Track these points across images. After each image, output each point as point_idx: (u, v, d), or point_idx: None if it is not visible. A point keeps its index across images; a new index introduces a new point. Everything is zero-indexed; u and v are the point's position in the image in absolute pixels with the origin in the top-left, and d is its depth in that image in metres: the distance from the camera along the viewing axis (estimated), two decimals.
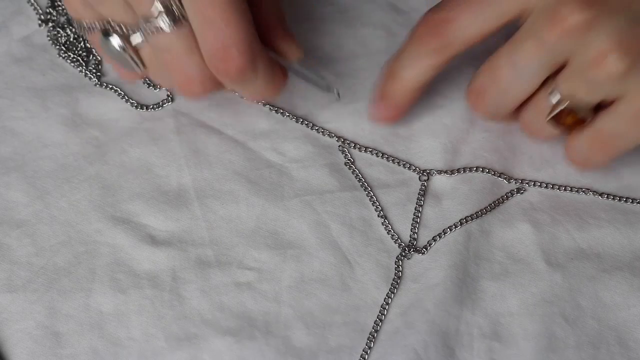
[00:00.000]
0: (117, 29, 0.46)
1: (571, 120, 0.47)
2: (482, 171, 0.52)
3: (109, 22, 0.46)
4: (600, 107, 0.47)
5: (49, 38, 0.56)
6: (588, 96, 0.46)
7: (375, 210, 0.51)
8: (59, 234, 0.50)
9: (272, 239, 0.50)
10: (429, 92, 0.53)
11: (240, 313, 0.48)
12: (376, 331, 0.48)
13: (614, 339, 0.48)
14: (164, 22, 0.44)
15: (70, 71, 0.55)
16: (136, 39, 0.46)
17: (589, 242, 0.50)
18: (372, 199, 0.52)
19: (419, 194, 0.52)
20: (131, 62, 0.47)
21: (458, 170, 0.52)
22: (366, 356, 0.47)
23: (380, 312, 0.48)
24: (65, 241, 0.50)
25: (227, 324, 0.47)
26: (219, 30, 0.44)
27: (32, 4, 0.57)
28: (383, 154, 0.53)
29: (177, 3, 0.44)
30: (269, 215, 0.51)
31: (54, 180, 0.51)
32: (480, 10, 0.46)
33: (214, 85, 0.47)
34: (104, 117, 0.54)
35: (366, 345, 0.47)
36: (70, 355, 0.46)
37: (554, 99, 0.47)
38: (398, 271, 0.49)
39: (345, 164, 0.53)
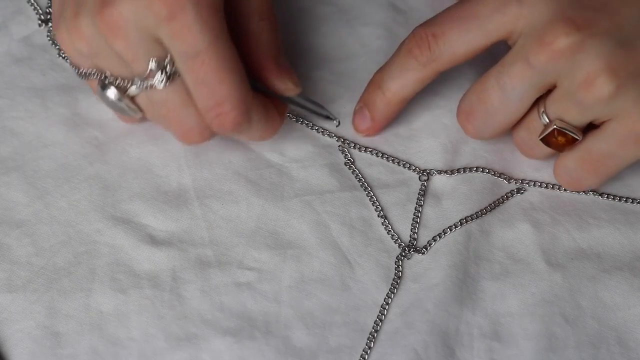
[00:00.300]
0: (113, 80, 0.46)
1: (562, 140, 0.47)
2: (482, 171, 0.52)
3: (104, 74, 0.46)
4: (591, 127, 0.47)
5: (49, 38, 0.56)
6: (577, 117, 0.46)
7: (375, 210, 0.51)
8: (59, 234, 0.50)
9: (272, 239, 0.50)
10: (429, 92, 0.53)
11: (240, 313, 0.48)
12: (376, 331, 0.48)
13: (614, 339, 0.48)
14: (158, 81, 0.45)
15: (70, 71, 0.55)
16: (132, 90, 0.46)
17: (589, 242, 0.50)
18: (372, 199, 0.52)
19: (419, 194, 0.52)
20: (128, 110, 0.47)
21: (458, 170, 0.52)
22: (366, 356, 0.47)
23: (380, 312, 0.48)
24: (65, 241, 0.49)
25: (227, 324, 0.47)
26: (212, 88, 0.44)
27: (32, 4, 0.57)
28: (383, 154, 0.53)
29: (171, 62, 0.44)
30: (269, 215, 0.51)
31: (54, 180, 0.51)
32: (468, 28, 0.47)
33: (212, 133, 0.47)
34: (104, 117, 0.53)
35: (366, 345, 0.47)
36: (70, 355, 0.46)
37: (545, 120, 0.47)
38: (398, 271, 0.49)
39: (345, 164, 0.53)
